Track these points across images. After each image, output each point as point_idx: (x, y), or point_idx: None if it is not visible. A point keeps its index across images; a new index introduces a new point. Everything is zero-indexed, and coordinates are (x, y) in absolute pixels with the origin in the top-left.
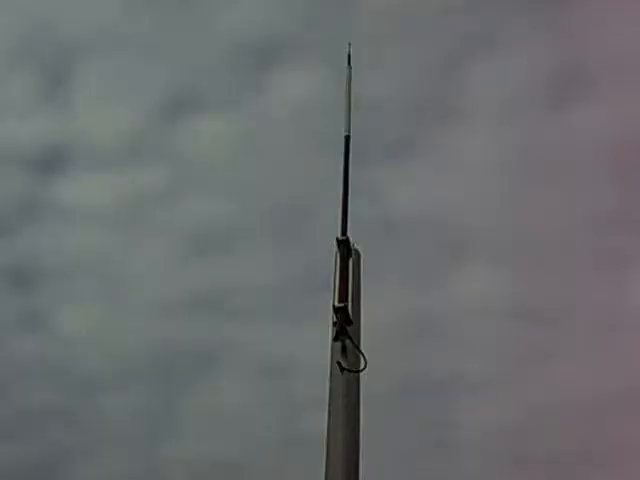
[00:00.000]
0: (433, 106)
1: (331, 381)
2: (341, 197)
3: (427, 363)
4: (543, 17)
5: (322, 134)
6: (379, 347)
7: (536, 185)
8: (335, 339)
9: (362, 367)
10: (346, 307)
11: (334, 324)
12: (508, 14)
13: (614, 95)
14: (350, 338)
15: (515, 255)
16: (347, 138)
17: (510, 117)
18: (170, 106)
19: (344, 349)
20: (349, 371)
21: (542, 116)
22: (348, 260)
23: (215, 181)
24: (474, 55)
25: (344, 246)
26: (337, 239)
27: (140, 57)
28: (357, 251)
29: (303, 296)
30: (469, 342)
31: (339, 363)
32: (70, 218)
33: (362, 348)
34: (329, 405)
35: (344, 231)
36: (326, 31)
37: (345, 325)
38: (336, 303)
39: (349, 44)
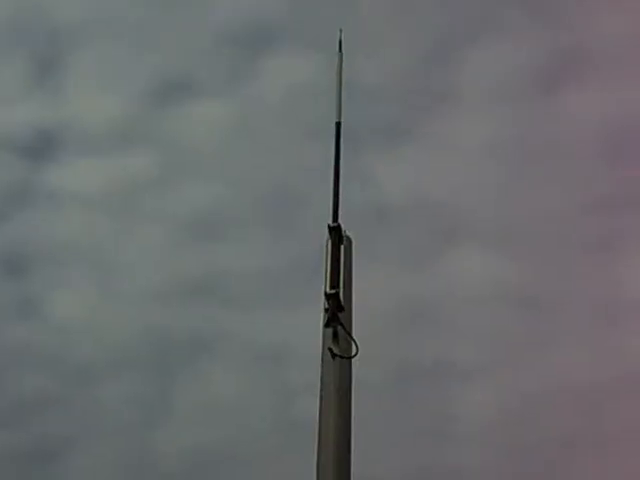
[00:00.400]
0: (426, 91)
1: (322, 367)
2: (332, 184)
3: (420, 350)
4: (537, 2)
5: (315, 119)
6: (371, 333)
7: (531, 170)
8: (326, 325)
9: (354, 353)
10: (338, 293)
11: (326, 310)
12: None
13: (608, 80)
14: (342, 324)
15: (510, 241)
16: (338, 124)
17: (504, 102)
18: (162, 91)
19: (335, 335)
20: (340, 357)
21: (536, 101)
22: (340, 247)
23: (207, 167)
24: (468, 40)
25: (336, 233)
26: (328, 226)
27: (132, 42)
28: (348, 238)
29: (296, 282)
30: (463, 329)
31: (330, 349)
32: (62, 204)
33: (354, 334)
34: (320, 391)
35: (335, 218)
36: (318, 16)
37: (337, 311)
38: (327, 290)
39: (340, 30)
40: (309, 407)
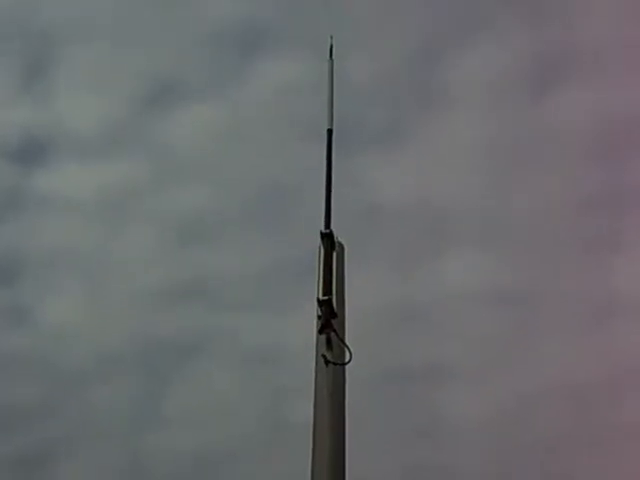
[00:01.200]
0: (417, 92)
1: (316, 374)
2: (324, 190)
3: (412, 352)
4: (527, 2)
5: (306, 121)
6: (363, 335)
7: (521, 170)
8: (320, 332)
9: (347, 360)
10: (330, 300)
11: (319, 317)
12: (491, 1)
13: (598, 80)
14: (335, 331)
15: (501, 241)
16: (329, 132)
17: (495, 102)
18: (151, 94)
19: (329, 342)
20: (334, 364)
21: (526, 101)
22: (332, 253)
23: (198, 170)
24: (458, 41)
25: (328, 239)
26: (321, 232)
27: (121, 44)
28: (341, 244)
29: (287, 285)
30: (454, 330)
31: (324, 356)
32: (53, 209)
33: (347, 339)
34: (315, 398)
35: (327, 224)
36: (309, 16)
37: (330, 318)
38: (320, 296)
39: (331, 37)
40: (302, 408)
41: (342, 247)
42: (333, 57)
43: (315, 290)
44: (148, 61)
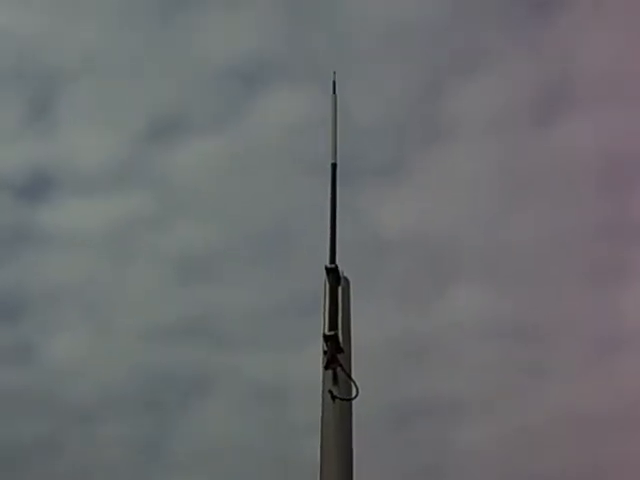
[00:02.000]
0: (419, 127)
1: (323, 410)
2: (329, 225)
3: (419, 386)
4: (527, 35)
5: (309, 155)
6: (369, 369)
7: (524, 202)
8: (326, 367)
9: (354, 395)
10: (336, 335)
11: (324, 352)
12: (492, 33)
13: (598, 111)
14: (341, 366)
15: (504, 273)
16: (334, 166)
17: (496, 135)
18: (156, 129)
19: (335, 377)
20: (341, 399)
21: (527, 133)
22: (337, 288)
23: (202, 206)
24: (459, 74)
25: (333, 274)
26: (326, 267)
27: (125, 81)
28: (346, 279)
29: (291, 321)
30: (458, 362)
31: (331, 392)
32: (57, 245)
33: (353, 374)
34: (321, 434)
35: (332, 259)
36: (311, 52)
37: (336, 353)
38: (326, 331)
39: (334, 72)
40: (308, 446)
41: (347, 282)
42: (336, 92)
43: (321, 325)
44: (152, 96)
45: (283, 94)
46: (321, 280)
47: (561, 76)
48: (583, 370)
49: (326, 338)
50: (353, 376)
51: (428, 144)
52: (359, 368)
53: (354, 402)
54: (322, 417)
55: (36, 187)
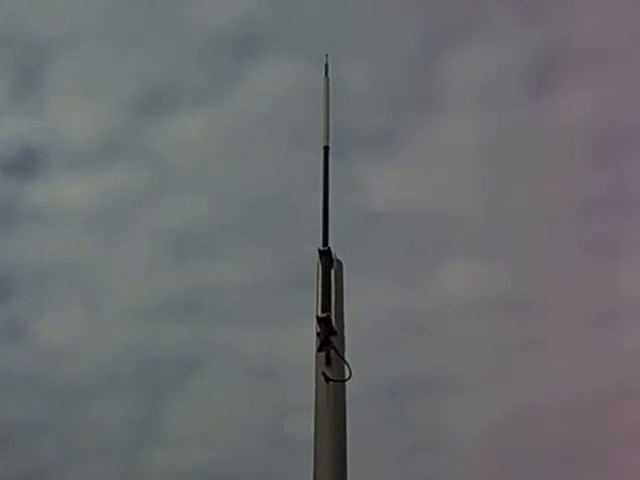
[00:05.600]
0: (415, 96)
1: (316, 391)
2: (321, 207)
3: (414, 363)
4: (525, 4)
5: (303, 126)
6: (364, 348)
7: (520, 173)
8: (319, 350)
9: (347, 377)
10: (329, 317)
11: (318, 334)
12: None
13: (597, 81)
14: (334, 348)
15: (501, 246)
16: (326, 149)
17: (492, 105)
18: (147, 102)
19: (329, 359)
20: (334, 381)
21: (524, 103)
22: (330, 270)
23: (194, 179)
24: (456, 41)
25: (326, 256)
26: (319, 250)
27: (115, 51)
28: (339, 261)
29: (286, 297)
30: (456, 338)
31: (324, 373)
32: (48, 222)
33: (347, 354)
34: (315, 416)
35: (325, 241)
36: (303, 21)
37: (329, 335)
38: (319, 314)
39: (326, 55)
40: (302, 423)
41: (340, 264)
42: (329, 75)
43: (314, 308)
44: (142, 68)
45: (275, 64)
46: (316, 254)
47: (561, 44)
48: (582, 344)
49: (319, 320)
50: (347, 355)
51: (424, 113)
52: (354, 344)
53: (347, 382)
54: (316, 399)
55: (25, 163)
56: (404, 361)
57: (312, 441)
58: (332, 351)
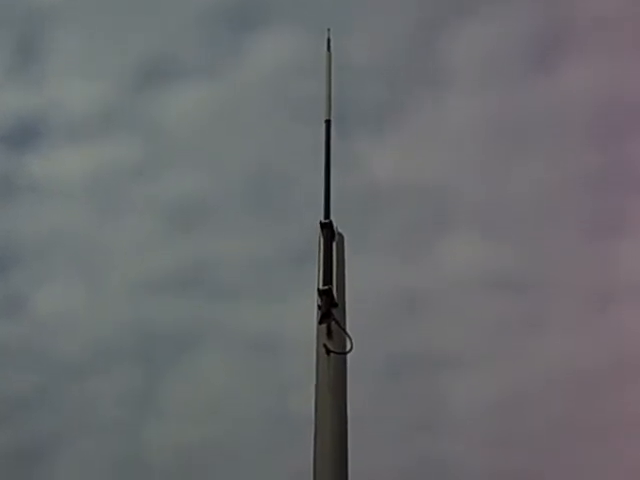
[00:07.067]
0: (416, 72)
1: (317, 364)
2: (323, 180)
3: (413, 339)
4: None
5: (304, 99)
6: (365, 323)
7: (521, 150)
8: (320, 322)
9: (348, 349)
10: (331, 290)
11: (319, 307)
12: None
13: (598, 57)
14: (335, 320)
15: (501, 223)
16: (328, 122)
17: (494, 80)
18: (145, 74)
19: (330, 331)
20: (335, 353)
21: (526, 78)
22: (332, 243)
23: (193, 152)
24: (458, 18)
25: (328, 229)
26: (320, 222)
27: (112, 24)
28: (340, 234)
29: (287, 271)
30: (456, 315)
31: (325, 345)
32: (45, 194)
33: (348, 328)
34: (316, 388)
35: (327, 214)
36: None
37: (330, 307)
38: (321, 286)
39: (328, 29)
40: (302, 398)
41: (342, 237)
42: (331, 50)
43: (315, 280)
44: (140, 40)
45: (276, 36)
46: (317, 227)
47: (562, 20)
48: (583, 323)
49: (320, 292)
50: (348, 330)
51: (424, 89)
52: (355, 321)
53: (349, 356)
54: (317, 371)
55: (21, 135)
56: (404, 337)
57: (313, 416)
58: (333, 323)
